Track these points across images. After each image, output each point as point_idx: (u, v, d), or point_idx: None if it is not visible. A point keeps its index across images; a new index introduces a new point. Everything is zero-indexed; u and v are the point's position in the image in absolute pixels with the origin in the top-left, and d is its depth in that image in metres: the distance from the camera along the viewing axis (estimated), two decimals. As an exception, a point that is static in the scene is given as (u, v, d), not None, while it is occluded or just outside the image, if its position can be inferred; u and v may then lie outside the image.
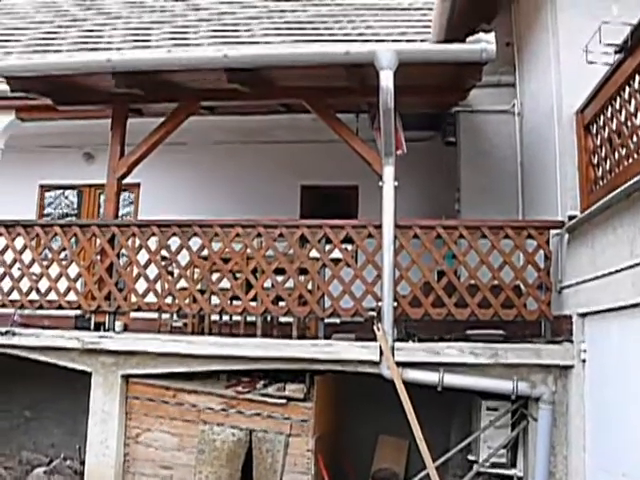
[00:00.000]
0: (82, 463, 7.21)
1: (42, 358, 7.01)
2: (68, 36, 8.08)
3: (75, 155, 11.02)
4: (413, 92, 7.27)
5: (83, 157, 11.07)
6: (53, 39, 7.99)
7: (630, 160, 4.96)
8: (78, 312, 7.79)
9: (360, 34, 7.21)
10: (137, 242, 7.26)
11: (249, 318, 7.70)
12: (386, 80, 6.09)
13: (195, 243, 7.04)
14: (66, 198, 11.66)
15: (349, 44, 6.62)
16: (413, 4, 8.31)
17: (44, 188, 11.51)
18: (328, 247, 6.81)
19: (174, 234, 7.07)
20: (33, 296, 7.31)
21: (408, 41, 6.87)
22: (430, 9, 7.45)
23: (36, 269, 7.38)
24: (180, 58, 6.73)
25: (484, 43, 6.24)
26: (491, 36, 6.28)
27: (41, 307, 7.31)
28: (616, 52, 5.08)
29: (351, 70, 6.81)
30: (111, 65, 6.80)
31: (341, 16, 7.94)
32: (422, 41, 6.81)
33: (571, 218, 6.08)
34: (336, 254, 6.80)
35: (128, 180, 8.07)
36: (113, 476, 6.73)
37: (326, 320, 6.80)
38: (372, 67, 6.20)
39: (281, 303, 7.10)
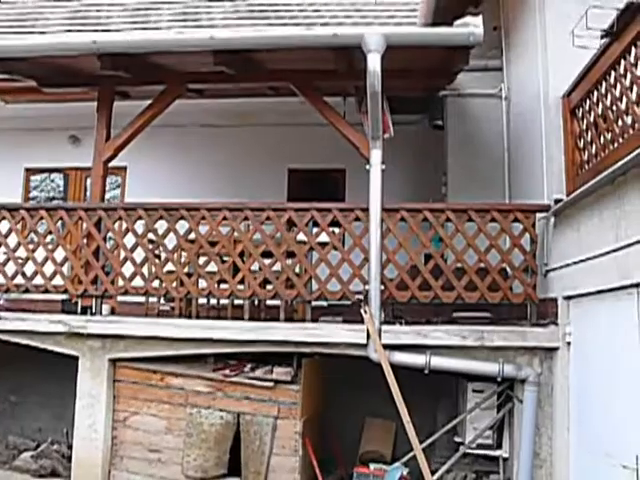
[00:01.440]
0: (70, 447, 7.22)
1: (28, 342, 6.99)
2: (53, 17, 7.97)
3: (61, 138, 10.92)
4: (400, 75, 7.25)
5: (69, 140, 10.98)
6: (37, 19, 7.88)
7: (615, 144, 5.00)
8: (65, 296, 7.75)
9: (348, 17, 7.16)
10: (124, 225, 7.24)
11: (236, 301, 7.72)
12: (373, 63, 6.07)
13: (182, 226, 7.02)
14: (52, 181, 11.57)
15: (337, 27, 6.58)
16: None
17: (30, 171, 11.42)
18: (315, 230, 6.82)
19: (161, 217, 7.04)
20: (19, 280, 7.27)
21: (396, 24, 6.84)
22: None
23: (22, 253, 7.34)
24: (166, 40, 6.65)
25: (472, 27, 6.22)
26: (479, 20, 6.26)
27: (27, 291, 7.28)
28: (602, 36, 5.09)
29: (339, 53, 6.79)
30: (97, 47, 6.72)
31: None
32: (410, 24, 6.78)
33: (557, 202, 6.12)
34: (323, 237, 6.81)
35: (115, 163, 8.02)
36: (101, 460, 6.75)
37: (314, 303, 6.83)
38: (360, 50, 6.18)
39: (268, 286, 7.10)
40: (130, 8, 8.02)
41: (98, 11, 8.02)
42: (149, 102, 7.71)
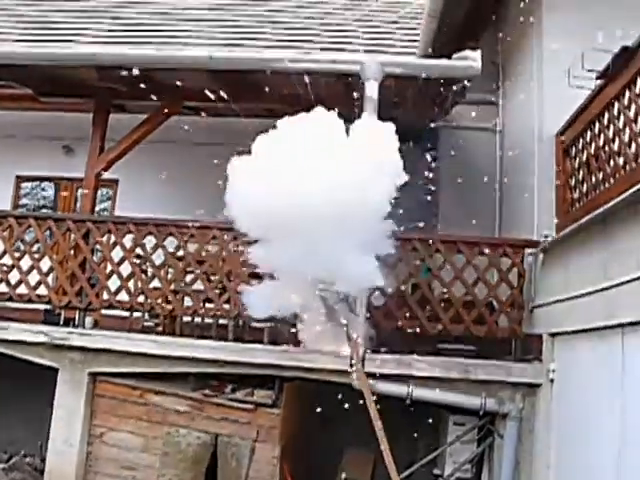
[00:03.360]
0: (43, 460, 7.10)
1: (8, 352, 6.90)
2: (55, 27, 8.00)
3: (54, 147, 10.85)
4: (396, 105, 7.29)
5: (62, 150, 10.92)
6: (40, 29, 7.91)
7: (606, 184, 5.04)
8: (48, 306, 7.67)
9: (348, 43, 7.23)
10: (112, 239, 7.20)
11: (221, 321, 7.65)
12: (371, 91, 6.12)
13: (171, 243, 6.99)
14: (43, 190, 11.49)
15: (337, 53, 6.64)
16: (403, 17, 8.36)
17: (20, 179, 11.35)
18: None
19: (150, 233, 7.02)
20: (2, 288, 7.20)
21: (395, 54, 6.91)
22: (419, 24, 7.49)
23: (7, 260, 7.27)
24: (165, 56, 6.70)
25: (470, 60, 6.30)
26: (477, 54, 6.34)
27: (10, 299, 7.21)
28: (597, 78, 5.16)
29: (338, 79, 6.82)
30: (96, 59, 6.75)
31: (331, 24, 7.96)
32: (409, 54, 6.85)
33: (546, 237, 6.14)
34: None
35: (107, 176, 8.00)
36: (74, 475, 6.63)
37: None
38: (358, 77, 6.22)
39: (254, 308, 7.04)
40: (131, 22, 8.06)
41: (100, 23, 8.07)
42: (145, 116, 7.72)
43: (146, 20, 8.26)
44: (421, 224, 7.33)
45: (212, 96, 7.43)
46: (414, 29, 7.71)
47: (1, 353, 6.93)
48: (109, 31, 7.72)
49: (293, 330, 6.24)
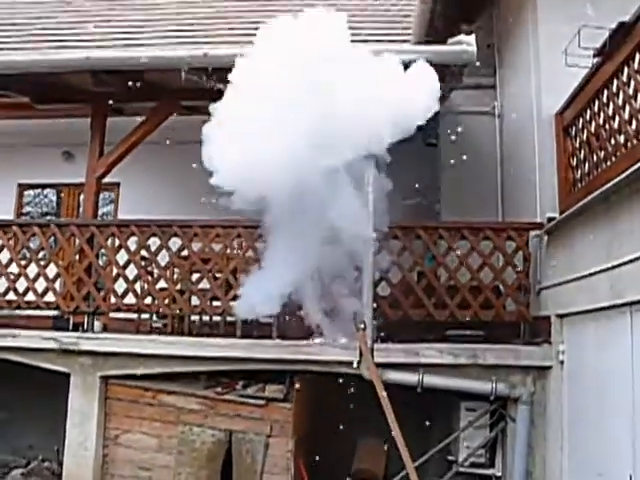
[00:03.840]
0: (60, 465, 7.13)
1: (19, 359, 6.94)
2: (47, 33, 8.00)
3: (54, 154, 10.87)
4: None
5: (62, 156, 10.93)
6: (31, 35, 7.91)
7: (608, 163, 5.01)
8: (56, 312, 7.70)
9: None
10: (116, 242, 7.21)
11: (229, 318, 7.66)
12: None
13: (175, 243, 7.00)
14: (45, 197, 11.53)
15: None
16: (396, 4, 8.32)
17: (23, 187, 11.38)
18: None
19: (154, 234, 7.03)
20: (10, 296, 7.23)
21: (389, 42, 6.87)
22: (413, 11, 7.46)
23: (14, 269, 7.30)
24: (158, 57, 6.69)
25: (465, 45, 6.27)
26: (472, 38, 6.30)
27: (19, 307, 7.24)
28: (594, 55, 5.12)
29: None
30: (90, 63, 6.75)
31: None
32: (403, 42, 6.82)
33: (550, 220, 6.12)
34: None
35: (108, 179, 8.01)
36: (91, 477, 6.67)
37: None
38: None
39: (261, 303, 7.05)
40: (125, 25, 8.05)
41: (94, 27, 8.06)
42: (143, 118, 7.71)
43: (139, 22, 8.24)
44: (424, 212, 7.34)
45: (210, 94, 7.46)
46: (408, 16, 7.67)
47: (13, 361, 6.97)
48: (102, 34, 7.70)
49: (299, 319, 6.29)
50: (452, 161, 8.03)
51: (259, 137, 5.07)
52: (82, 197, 9.51)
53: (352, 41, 6.75)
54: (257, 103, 5.10)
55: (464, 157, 7.88)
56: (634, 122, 4.57)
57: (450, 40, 6.35)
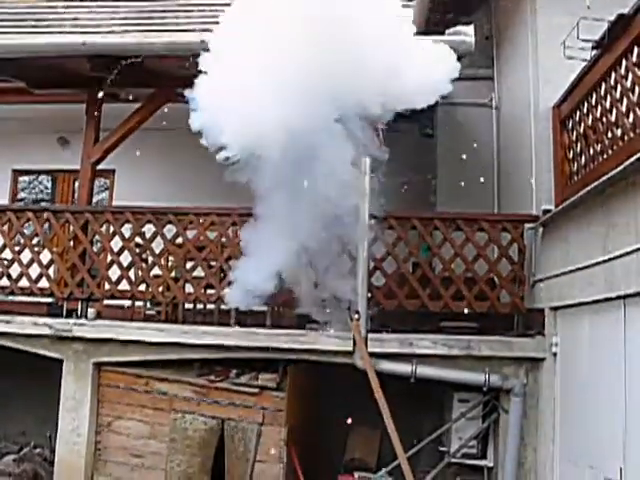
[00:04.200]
0: (53, 451, 7.15)
1: (13, 345, 6.93)
2: (44, 17, 7.94)
3: (50, 140, 10.81)
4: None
5: (58, 142, 10.87)
6: (27, 20, 7.85)
7: (604, 156, 5.00)
8: (51, 299, 7.68)
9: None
10: (111, 229, 7.19)
11: (223, 306, 7.66)
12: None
13: (169, 230, 6.98)
14: (40, 183, 11.48)
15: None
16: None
17: (18, 173, 11.32)
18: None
19: (148, 221, 7.01)
20: (4, 282, 7.21)
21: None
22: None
23: (7, 255, 7.27)
24: (155, 43, 6.66)
25: (463, 35, 6.25)
26: (470, 29, 6.29)
27: (12, 293, 7.22)
28: (593, 48, 5.09)
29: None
30: (86, 48, 6.71)
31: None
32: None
33: (545, 212, 6.12)
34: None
35: (103, 166, 7.98)
36: (84, 464, 6.69)
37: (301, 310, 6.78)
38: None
39: (255, 292, 7.05)
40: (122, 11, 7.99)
41: (91, 12, 8.00)
42: (139, 105, 7.68)
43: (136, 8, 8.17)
44: (419, 202, 7.33)
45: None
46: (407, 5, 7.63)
47: (6, 346, 6.96)
48: (99, 20, 7.64)
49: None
50: (448, 152, 8.03)
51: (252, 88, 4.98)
52: (77, 183, 9.48)
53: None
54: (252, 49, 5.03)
55: (461, 148, 7.88)
56: (631, 115, 4.56)
57: (448, 31, 6.33)
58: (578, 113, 5.68)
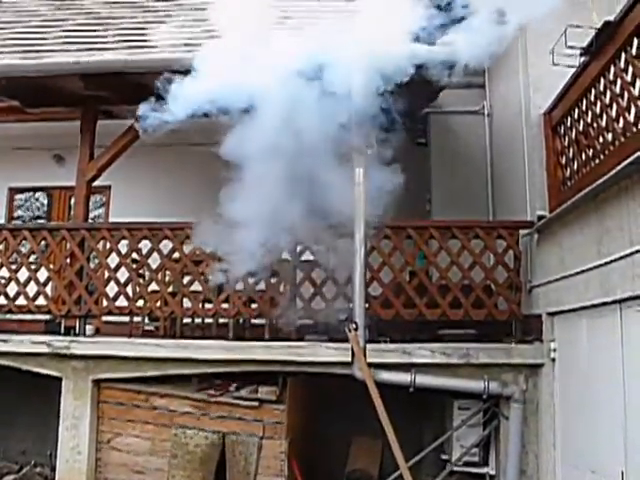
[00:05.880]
0: (53, 469, 7.12)
1: (11, 364, 6.92)
2: (38, 37, 7.97)
3: (45, 157, 10.84)
4: (384, 93, 7.27)
5: (53, 159, 10.90)
6: (21, 39, 7.88)
7: (596, 161, 5.04)
8: (48, 317, 7.68)
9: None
10: (107, 245, 7.20)
11: (222, 320, 7.66)
12: (357, 79, 6.09)
13: (166, 246, 6.99)
14: (36, 200, 11.49)
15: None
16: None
17: (13, 191, 11.34)
18: (299, 248, 6.81)
19: (144, 237, 7.02)
20: (1, 300, 7.21)
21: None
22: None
23: (4, 273, 7.28)
24: (146, 60, 6.68)
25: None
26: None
27: (10, 311, 7.22)
28: (581, 54, 5.14)
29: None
30: (79, 67, 6.74)
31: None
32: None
33: (540, 218, 6.14)
34: (307, 256, 6.80)
35: (99, 182, 7.99)
36: (85, 482, 6.67)
37: (299, 322, 6.79)
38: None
39: (253, 305, 7.07)
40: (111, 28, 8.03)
41: (83, 31, 8.03)
42: (133, 121, 7.69)
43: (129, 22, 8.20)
44: (415, 211, 7.33)
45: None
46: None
47: (5, 365, 6.94)
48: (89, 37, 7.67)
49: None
50: (442, 161, 8.05)
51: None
52: (73, 200, 9.48)
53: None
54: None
55: (454, 156, 7.91)
56: (621, 120, 4.60)
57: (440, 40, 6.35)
58: (569, 119, 5.72)
